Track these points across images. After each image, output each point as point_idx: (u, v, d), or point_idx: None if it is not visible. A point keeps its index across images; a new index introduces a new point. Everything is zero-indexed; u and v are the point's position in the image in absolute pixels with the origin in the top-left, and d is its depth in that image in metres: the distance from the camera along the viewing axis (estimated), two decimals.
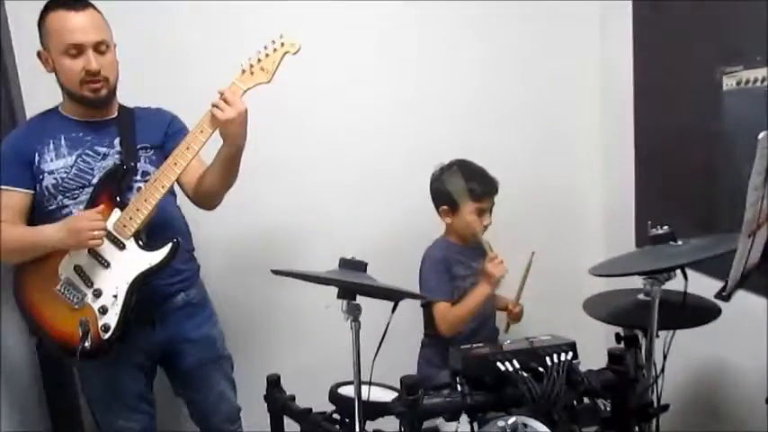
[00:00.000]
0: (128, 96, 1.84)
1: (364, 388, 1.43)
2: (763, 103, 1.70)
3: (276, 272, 1.58)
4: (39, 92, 2.11)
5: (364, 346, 1.43)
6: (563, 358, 1.41)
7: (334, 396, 1.61)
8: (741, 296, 1.60)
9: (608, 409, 1.53)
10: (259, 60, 1.69)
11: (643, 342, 1.63)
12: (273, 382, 1.70)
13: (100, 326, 1.65)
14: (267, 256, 2.32)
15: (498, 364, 1.39)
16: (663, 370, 1.58)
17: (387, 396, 1.53)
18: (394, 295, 1.47)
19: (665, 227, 1.60)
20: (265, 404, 1.71)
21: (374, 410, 1.49)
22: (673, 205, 2.14)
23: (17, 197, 1.71)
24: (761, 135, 1.14)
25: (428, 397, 1.39)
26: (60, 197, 1.72)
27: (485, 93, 2.43)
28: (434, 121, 2.39)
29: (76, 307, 1.66)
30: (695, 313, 1.61)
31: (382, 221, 2.40)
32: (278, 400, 1.67)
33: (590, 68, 2.49)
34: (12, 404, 1.96)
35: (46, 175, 1.72)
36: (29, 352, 2.08)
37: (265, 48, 1.69)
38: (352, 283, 1.42)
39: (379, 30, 2.32)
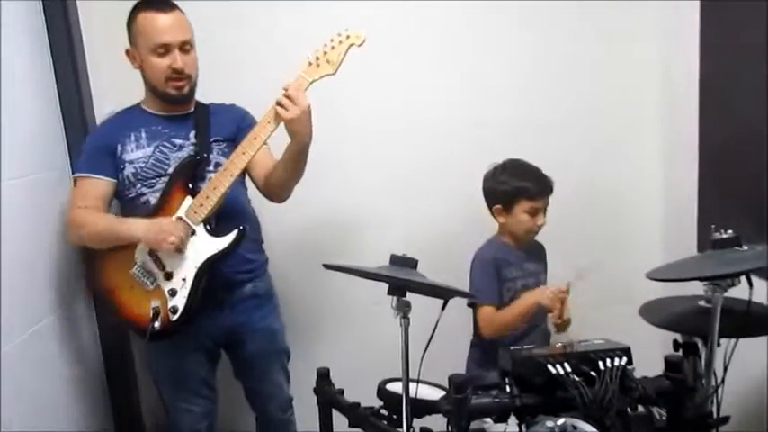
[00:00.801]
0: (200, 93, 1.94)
1: (412, 385, 1.43)
2: None
3: (327, 266, 1.59)
4: (107, 92, 2.23)
5: (413, 344, 1.43)
6: (617, 363, 1.37)
7: (382, 392, 1.61)
8: None
9: (663, 418, 1.48)
10: (325, 53, 1.72)
11: (702, 350, 1.57)
12: (323, 376, 1.72)
13: (169, 307, 1.75)
14: (317, 250, 2.35)
15: (549, 366, 1.36)
16: (723, 380, 1.51)
17: (435, 394, 1.53)
18: (444, 293, 1.46)
19: (730, 231, 1.53)
20: (314, 397, 1.73)
21: (422, 408, 1.49)
22: (738, 208, 2.05)
23: (101, 185, 1.84)
24: None
25: (476, 396, 1.37)
26: (139, 185, 1.84)
27: (543, 92, 2.39)
28: (491, 120, 2.37)
29: (149, 289, 1.77)
30: (760, 322, 1.53)
31: (434, 219, 2.40)
32: (327, 393, 1.69)
33: (652, 66, 2.40)
34: (86, 404, 2.07)
35: (127, 164, 1.84)
36: (96, 352, 2.19)
37: (331, 40, 1.72)
38: (401, 280, 1.42)
39: (432, 26, 2.31)
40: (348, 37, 1.71)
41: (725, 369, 1.51)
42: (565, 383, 1.34)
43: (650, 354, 1.55)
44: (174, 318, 1.75)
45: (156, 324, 1.74)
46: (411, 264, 1.50)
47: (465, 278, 2.04)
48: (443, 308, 1.43)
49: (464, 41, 2.34)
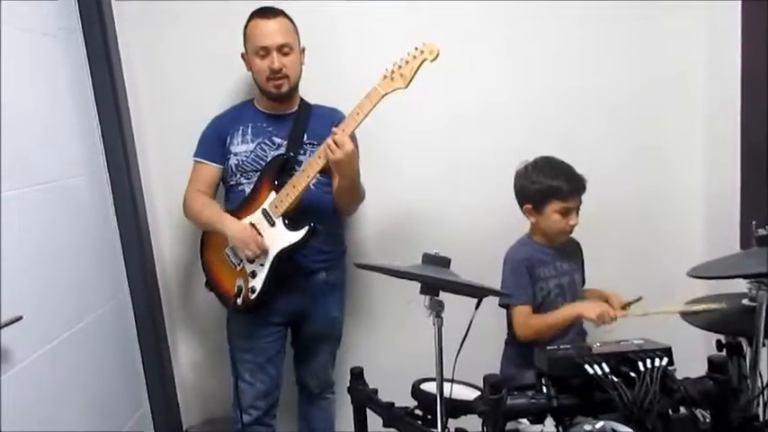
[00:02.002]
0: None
1: (447, 385, 1.41)
2: None
3: (359, 265, 1.60)
4: (143, 95, 2.27)
5: (447, 344, 1.41)
6: (657, 364, 1.33)
7: (416, 392, 1.60)
8: None
9: (707, 420, 1.44)
10: (399, 67, 1.84)
11: (747, 351, 1.52)
12: (357, 375, 1.72)
13: (249, 287, 1.98)
14: (353, 250, 2.35)
15: (586, 366, 1.34)
16: None
17: (469, 394, 1.51)
18: (477, 292, 1.44)
19: None
20: (348, 396, 1.73)
21: (456, 408, 1.47)
22: None
23: (212, 170, 2.08)
24: None
25: (512, 397, 1.35)
26: (239, 176, 2.05)
27: (584, 88, 2.34)
28: (530, 117, 2.34)
29: (237, 269, 2.00)
30: None
31: (469, 218, 2.37)
32: (361, 393, 1.69)
33: (695, 61, 2.34)
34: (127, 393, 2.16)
35: (232, 155, 2.06)
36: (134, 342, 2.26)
37: (407, 54, 1.82)
38: (434, 279, 1.40)
39: (469, 26, 2.29)
40: (422, 52, 1.81)
41: None
42: (603, 384, 1.31)
43: (692, 354, 1.51)
44: (253, 297, 1.98)
45: (239, 300, 1.96)
46: (444, 263, 1.48)
47: (498, 277, 2.01)
48: (477, 307, 1.41)
49: (502, 39, 2.31)
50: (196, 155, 2.10)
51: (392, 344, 2.41)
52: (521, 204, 2.01)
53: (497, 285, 1.97)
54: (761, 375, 1.47)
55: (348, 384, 1.72)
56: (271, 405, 2.15)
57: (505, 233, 2.08)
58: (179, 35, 2.27)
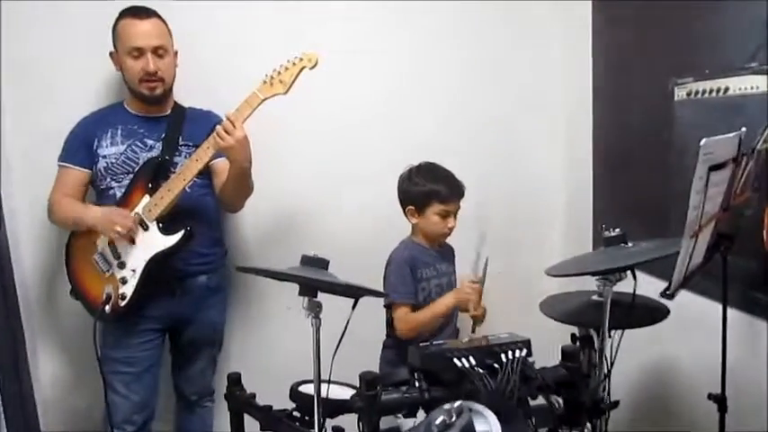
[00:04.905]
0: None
1: (324, 386, 1.44)
2: (711, 113, 1.78)
3: (240, 269, 1.60)
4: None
5: (326, 346, 1.44)
6: (518, 355, 1.44)
7: (294, 394, 1.62)
8: (690, 298, 1.67)
9: (562, 406, 1.57)
10: (279, 73, 1.86)
11: (597, 341, 1.67)
12: (234, 381, 1.71)
13: (119, 294, 1.90)
14: (234, 253, 2.32)
15: (455, 360, 1.42)
16: (611, 367, 1.62)
17: (346, 394, 1.54)
18: (354, 292, 1.48)
19: (617, 229, 1.65)
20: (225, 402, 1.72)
21: (334, 407, 1.50)
22: (627, 209, 2.21)
23: (77, 174, 2.00)
24: (702, 142, 1.20)
25: (386, 393, 1.41)
26: (109, 179, 1.98)
27: (452, 97, 2.49)
28: (405, 123, 2.44)
29: (106, 275, 1.92)
30: (644, 313, 1.65)
31: (352, 222, 2.42)
32: (239, 398, 1.68)
33: (554, 75, 2.55)
34: None
35: (100, 158, 1.98)
36: None
37: (287, 61, 1.85)
38: (312, 280, 1.43)
39: (350, 31, 2.35)
40: (301, 59, 1.85)
41: (612, 358, 1.62)
42: (470, 376, 1.39)
43: (554, 347, 1.64)
44: (123, 304, 1.90)
45: (107, 308, 1.88)
46: (322, 264, 1.51)
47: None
48: (354, 307, 1.45)
49: (381, 47, 2.39)
50: (60, 159, 2.01)
51: (273, 347, 2.40)
52: (403, 206, 2.10)
53: (378, 287, 2.03)
54: (607, 362, 1.63)
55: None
56: (146, 419, 2.06)
57: (386, 236, 2.15)
58: (45, 36, 2.13)
